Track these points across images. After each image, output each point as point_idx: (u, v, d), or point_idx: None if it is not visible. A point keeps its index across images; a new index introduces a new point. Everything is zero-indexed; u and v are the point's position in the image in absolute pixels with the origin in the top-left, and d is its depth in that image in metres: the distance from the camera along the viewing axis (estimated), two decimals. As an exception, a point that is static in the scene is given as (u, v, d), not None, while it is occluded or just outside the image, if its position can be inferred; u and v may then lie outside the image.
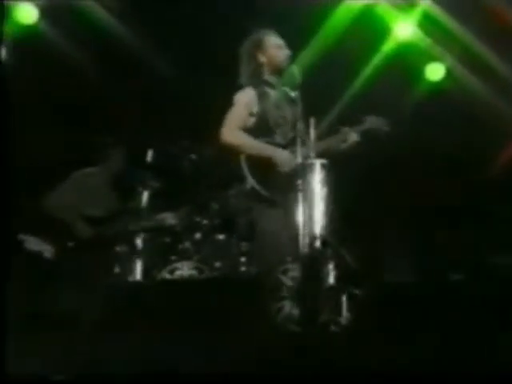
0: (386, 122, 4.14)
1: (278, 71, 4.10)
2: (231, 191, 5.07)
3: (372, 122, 4.14)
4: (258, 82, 4.11)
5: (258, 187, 3.93)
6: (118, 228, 5.19)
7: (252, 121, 4.09)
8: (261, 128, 4.08)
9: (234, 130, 4.03)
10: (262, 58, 4.11)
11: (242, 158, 3.97)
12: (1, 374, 2.75)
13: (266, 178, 3.94)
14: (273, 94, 4.11)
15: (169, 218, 5.14)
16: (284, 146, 4.03)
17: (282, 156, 3.96)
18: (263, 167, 3.94)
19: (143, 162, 5.24)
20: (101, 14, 5.76)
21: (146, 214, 5.18)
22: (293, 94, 4.00)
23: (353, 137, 4.08)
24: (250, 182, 3.94)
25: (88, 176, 5.43)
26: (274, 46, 4.10)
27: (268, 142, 4.04)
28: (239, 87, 4.10)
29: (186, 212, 5.19)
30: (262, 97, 4.07)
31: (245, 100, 4.09)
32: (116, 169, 5.47)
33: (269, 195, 3.94)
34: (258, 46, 4.11)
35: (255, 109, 4.08)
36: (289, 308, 3.91)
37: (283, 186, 3.91)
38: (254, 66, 4.11)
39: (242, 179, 3.97)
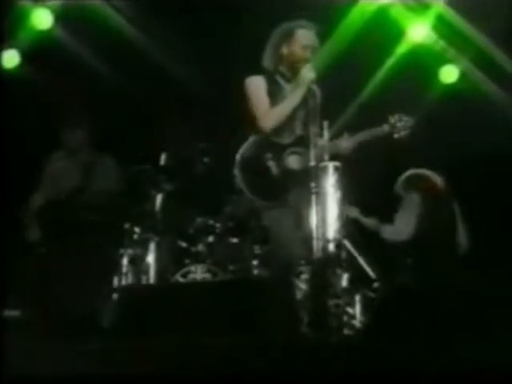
0: (409, 124, 4.01)
1: (295, 68, 4.00)
2: (243, 195, 5.08)
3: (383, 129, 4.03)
4: (274, 71, 4.05)
5: (252, 197, 3.89)
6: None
7: None
8: None
9: (267, 114, 3.93)
10: (285, 51, 4.02)
11: (236, 167, 3.92)
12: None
13: (261, 185, 3.88)
14: (286, 87, 4.03)
15: None
16: (288, 146, 3.94)
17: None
18: (257, 174, 3.89)
19: (157, 164, 5.25)
20: (115, 17, 5.82)
21: (160, 217, 5.18)
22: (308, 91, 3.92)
23: (347, 144, 3.96)
24: (239, 183, 3.89)
25: (56, 161, 5.30)
26: (300, 45, 3.98)
27: (272, 142, 3.94)
28: (262, 70, 4.05)
29: None
30: (272, 87, 4.00)
31: (256, 83, 3.99)
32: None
33: (264, 203, 3.89)
34: (286, 36, 4.01)
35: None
36: (302, 311, 3.91)
37: (277, 190, 3.87)
38: (275, 54, 4.04)
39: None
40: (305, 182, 3.76)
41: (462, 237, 4.95)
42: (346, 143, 3.97)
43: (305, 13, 4.13)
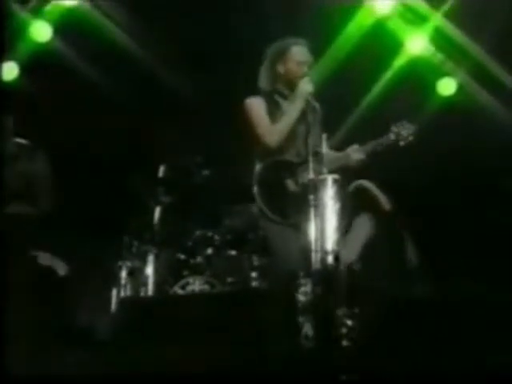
0: (411, 131, 4.04)
1: (293, 85, 4.00)
2: (242, 207, 5.08)
3: (387, 139, 4.06)
4: (271, 90, 4.05)
5: (266, 211, 3.88)
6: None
7: None
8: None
9: (270, 130, 3.94)
10: (281, 69, 4.03)
11: (255, 178, 3.92)
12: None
13: (276, 201, 3.89)
14: (284, 104, 4.04)
15: None
16: (299, 164, 3.95)
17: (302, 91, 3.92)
18: (274, 190, 3.90)
19: (156, 177, 5.25)
20: (114, 29, 5.85)
21: (159, 229, 5.18)
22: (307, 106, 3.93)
23: (359, 155, 4.01)
24: (260, 205, 3.89)
25: None
26: (295, 62, 3.99)
27: (279, 161, 3.96)
28: (258, 90, 4.05)
29: None
30: (271, 106, 4.00)
31: (256, 103, 3.99)
32: None
33: (278, 219, 3.89)
34: (281, 55, 4.02)
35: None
36: (301, 323, 3.90)
37: (294, 208, 3.85)
38: (271, 74, 4.05)
39: (253, 199, 3.92)
40: (303, 200, 3.77)
41: (411, 253, 4.99)
42: (358, 154, 3.99)
43: (304, 24, 4.15)
